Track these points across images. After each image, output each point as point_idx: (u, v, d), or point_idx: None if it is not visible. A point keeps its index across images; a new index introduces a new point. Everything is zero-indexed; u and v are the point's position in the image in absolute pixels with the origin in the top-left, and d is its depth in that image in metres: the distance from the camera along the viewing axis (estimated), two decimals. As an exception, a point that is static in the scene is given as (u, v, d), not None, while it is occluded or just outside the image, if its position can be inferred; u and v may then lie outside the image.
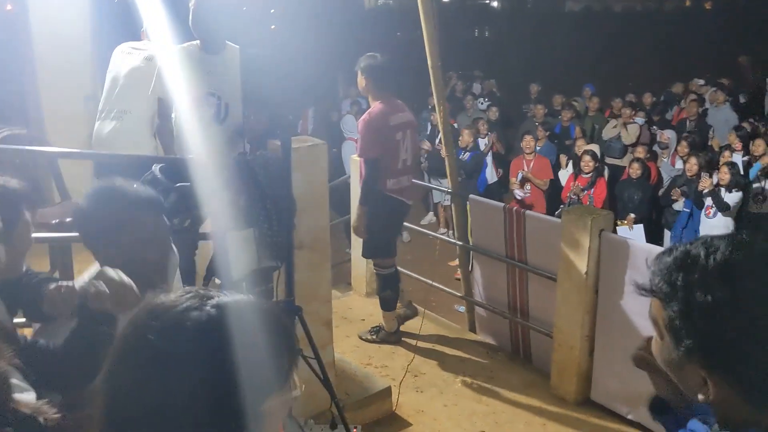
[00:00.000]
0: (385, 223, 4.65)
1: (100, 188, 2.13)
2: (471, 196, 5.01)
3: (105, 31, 5.76)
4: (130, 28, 4.68)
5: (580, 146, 8.13)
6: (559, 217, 4.53)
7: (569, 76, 14.96)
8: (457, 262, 7.82)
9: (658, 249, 4.78)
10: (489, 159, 8.94)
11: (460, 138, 8.40)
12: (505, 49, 23.26)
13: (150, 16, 4.10)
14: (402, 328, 4.93)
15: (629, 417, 4.03)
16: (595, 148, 8.10)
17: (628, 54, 21.49)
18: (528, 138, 8.42)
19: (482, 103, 11.33)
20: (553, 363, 4.31)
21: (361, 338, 4.89)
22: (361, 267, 5.60)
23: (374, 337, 4.87)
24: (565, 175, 8.34)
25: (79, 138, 5.56)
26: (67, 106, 5.65)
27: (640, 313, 3.87)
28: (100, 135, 4.39)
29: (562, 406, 4.20)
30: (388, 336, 4.86)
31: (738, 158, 7.97)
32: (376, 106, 4.55)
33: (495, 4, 42.40)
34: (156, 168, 3.21)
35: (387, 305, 4.82)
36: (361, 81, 4.61)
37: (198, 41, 3.86)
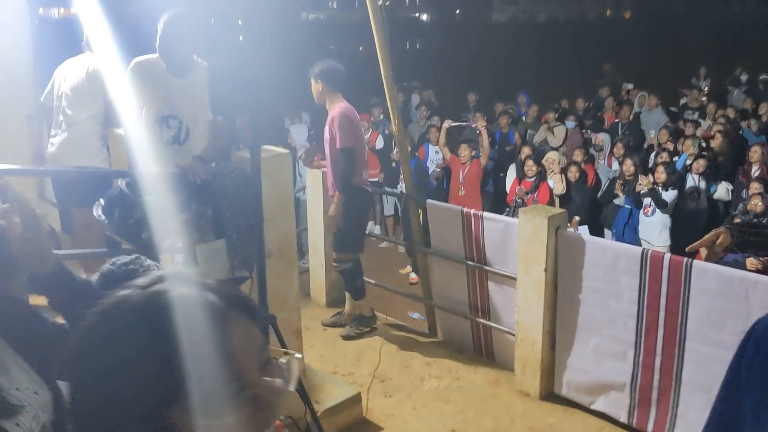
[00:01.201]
0: (358, 213, 4.85)
1: None
2: (428, 200, 5.09)
3: (46, 49, 5.64)
4: (71, 47, 4.64)
5: (524, 152, 8.34)
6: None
7: (502, 85, 15.34)
8: (409, 269, 7.92)
9: (612, 244, 4.98)
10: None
11: None
12: (437, 60, 23.66)
13: (91, 27, 4.04)
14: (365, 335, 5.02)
15: (592, 407, 4.17)
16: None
17: (555, 61, 22.19)
18: (463, 146, 8.62)
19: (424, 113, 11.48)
20: (516, 359, 4.42)
21: (344, 338, 4.99)
22: (319, 277, 5.61)
23: (358, 329, 4.99)
24: (509, 180, 8.53)
25: (22, 157, 5.40)
26: (9, 126, 5.48)
27: (598, 306, 4.04)
28: (51, 150, 4.38)
29: (527, 401, 4.31)
30: (369, 320, 5.04)
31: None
32: (340, 104, 4.66)
33: (424, 17, 43.11)
34: (122, 182, 3.17)
35: (358, 294, 5.01)
36: (316, 87, 4.69)
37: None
